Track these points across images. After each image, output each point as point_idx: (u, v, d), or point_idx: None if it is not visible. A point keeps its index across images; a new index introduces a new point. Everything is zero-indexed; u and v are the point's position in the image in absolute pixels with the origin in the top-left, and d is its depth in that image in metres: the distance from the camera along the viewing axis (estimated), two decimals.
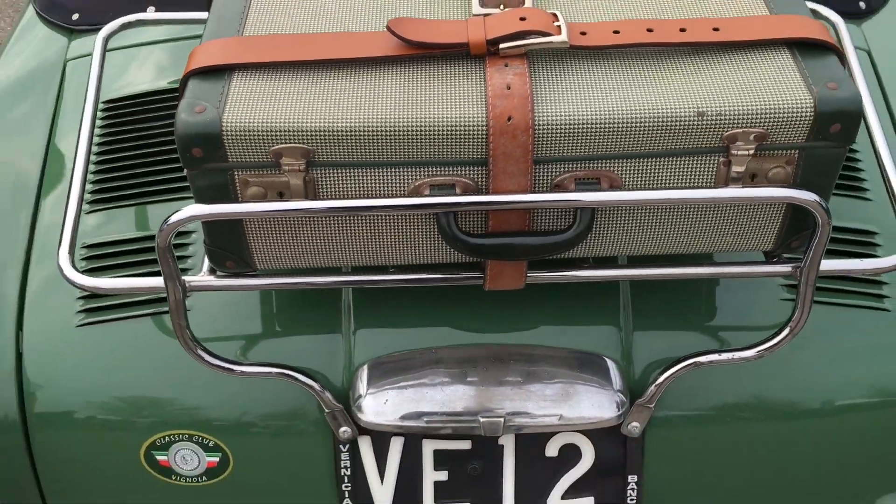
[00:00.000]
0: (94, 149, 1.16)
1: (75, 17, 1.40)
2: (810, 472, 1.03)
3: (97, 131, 1.17)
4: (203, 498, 1.01)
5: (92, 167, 1.14)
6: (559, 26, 0.79)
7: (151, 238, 1.05)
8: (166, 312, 0.99)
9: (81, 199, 0.92)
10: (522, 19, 0.79)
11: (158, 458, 0.99)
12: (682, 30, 0.81)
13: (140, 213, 1.10)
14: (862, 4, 1.42)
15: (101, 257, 1.06)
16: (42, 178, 1.17)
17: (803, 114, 0.76)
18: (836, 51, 0.80)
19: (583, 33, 0.80)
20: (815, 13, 1.14)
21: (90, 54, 1.20)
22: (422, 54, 0.80)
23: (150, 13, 1.21)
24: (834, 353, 1.01)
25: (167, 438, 0.98)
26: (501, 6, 0.84)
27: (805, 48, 0.81)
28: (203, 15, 1.12)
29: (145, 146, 1.17)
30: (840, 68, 0.79)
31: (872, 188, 1.11)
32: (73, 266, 0.86)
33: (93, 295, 1.01)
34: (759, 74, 0.78)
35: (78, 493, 1.04)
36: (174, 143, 0.79)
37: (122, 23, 1.16)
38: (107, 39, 1.12)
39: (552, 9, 0.84)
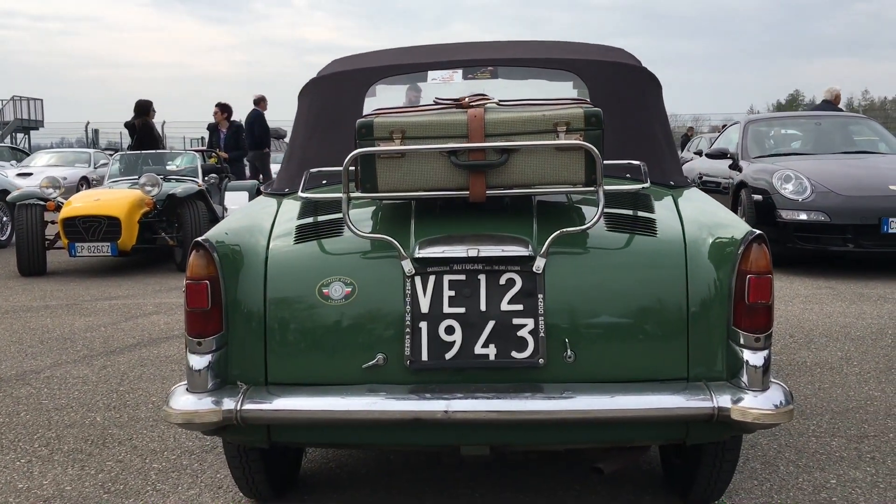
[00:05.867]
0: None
1: (286, 190, 2.84)
2: (621, 316, 2.17)
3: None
4: (344, 309, 2.18)
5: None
6: (494, 98, 2.20)
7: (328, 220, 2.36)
8: (329, 236, 2.26)
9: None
10: (483, 99, 2.21)
11: (324, 290, 2.19)
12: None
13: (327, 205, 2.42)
14: (672, 182, 2.80)
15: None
16: (277, 213, 2.51)
17: (580, 116, 2.13)
18: (594, 107, 2.19)
19: (502, 99, 2.22)
20: (629, 164, 2.55)
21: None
22: (452, 106, 2.21)
23: (329, 168, 2.67)
24: (630, 258, 2.22)
25: (328, 280, 2.19)
26: (476, 99, 2.27)
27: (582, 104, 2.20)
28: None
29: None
30: (593, 106, 2.17)
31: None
32: (301, 191, 2.19)
33: (300, 228, 2.30)
34: (568, 108, 2.16)
35: (287, 317, 2.20)
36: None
37: (320, 172, 2.62)
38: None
39: (494, 96, 2.26)
